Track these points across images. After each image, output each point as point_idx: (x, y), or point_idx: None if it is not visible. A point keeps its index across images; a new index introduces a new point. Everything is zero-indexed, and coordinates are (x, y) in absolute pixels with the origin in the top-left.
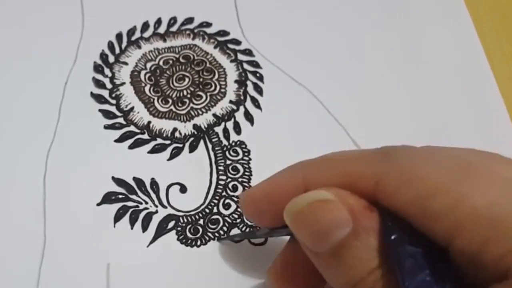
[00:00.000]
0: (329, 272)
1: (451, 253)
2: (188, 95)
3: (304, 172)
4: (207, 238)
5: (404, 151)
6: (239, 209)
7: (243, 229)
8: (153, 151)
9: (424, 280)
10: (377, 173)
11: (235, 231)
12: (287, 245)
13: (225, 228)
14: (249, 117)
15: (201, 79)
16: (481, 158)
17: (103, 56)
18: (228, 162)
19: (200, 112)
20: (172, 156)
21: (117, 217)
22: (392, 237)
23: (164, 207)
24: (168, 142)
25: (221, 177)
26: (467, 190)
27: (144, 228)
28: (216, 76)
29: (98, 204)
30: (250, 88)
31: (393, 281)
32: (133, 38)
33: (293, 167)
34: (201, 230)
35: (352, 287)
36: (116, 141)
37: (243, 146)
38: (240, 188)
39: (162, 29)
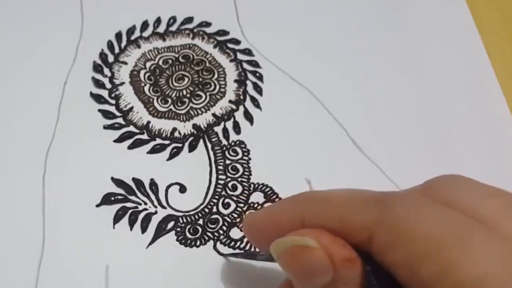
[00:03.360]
0: None
1: None
2: (188, 95)
3: (304, 208)
4: (207, 238)
5: (400, 201)
6: (238, 209)
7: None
8: (152, 151)
9: None
10: (370, 227)
11: (235, 249)
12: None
13: (224, 228)
14: (248, 116)
15: (200, 79)
16: (492, 210)
17: (103, 56)
18: (228, 161)
19: (200, 112)
20: (172, 156)
21: (117, 218)
22: None
23: (164, 207)
24: (167, 142)
25: (220, 176)
26: (459, 258)
27: (144, 229)
28: (216, 76)
29: (98, 205)
30: (250, 88)
31: None
32: (133, 38)
33: (295, 200)
34: (200, 230)
35: None
36: (115, 141)
37: (243, 145)
38: (239, 187)
39: (161, 29)
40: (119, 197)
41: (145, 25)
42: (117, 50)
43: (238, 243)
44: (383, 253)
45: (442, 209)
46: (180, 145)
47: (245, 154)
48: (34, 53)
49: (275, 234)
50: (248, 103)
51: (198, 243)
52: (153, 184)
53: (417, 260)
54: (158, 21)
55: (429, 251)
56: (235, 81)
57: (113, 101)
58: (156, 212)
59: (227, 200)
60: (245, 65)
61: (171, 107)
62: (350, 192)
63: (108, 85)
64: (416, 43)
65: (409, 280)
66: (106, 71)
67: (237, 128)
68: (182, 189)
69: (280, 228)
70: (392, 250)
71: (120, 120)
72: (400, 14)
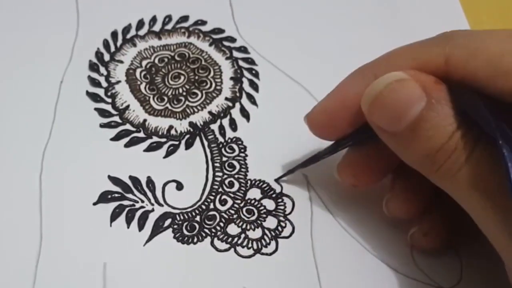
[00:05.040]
0: (408, 150)
1: None
2: (184, 93)
3: (374, 70)
4: (204, 235)
5: (464, 31)
6: (235, 205)
7: (240, 224)
8: (149, 149)
9: (503, 129)
10: (445, 52)
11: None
12: (350, 150)
13: (221, 224)
14: (245, 113)
15: (196, 77)
16: None
17: (99, 55)
18: (224, 158)
19: (196, 110)
20: (168, 154)
21: (113, 216)
22: (467, 101)
23: (160, 205)
24: (164, 140)
25: (217, 173)
26: None
27: (141, 227)
28: (212, 74)
29: (94, 203)
30: (246, 85)
31: (471, 138)
32: (128, 36)
33: (361, 69)
34: (197, 226)
35: (434, 155)
36: (112, 139)
37: (239, 142)
38: (236, 184)
39: (157, 27)
40: (116, 195)
41: (140, 23)
42: (113, 48)
43: (236, 239)
44: (462, 67)
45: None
46: (176, 142)
47: (242, 151)
48: (30, 52)
49: (353, 107)
50: (244, 100)
51: (195, 239)
52: (150, 181)
53: (498, 58)
54: (153, 19)
55: (505, 48)
56: (231, 78)
57: (109, 100)
58: (153, 210)
59: (224, 196)
60: (241, 63)
61: (167, 105)
62: (412, 43)
63: (104, 84)
64: (411, 42)
65: (493, 77)
66: (102, 69)
67: (233, 125)
68: (179, 186)
69: (355, 100)
70: (472, 59)
71: (116, 119)
72: (395, 13)
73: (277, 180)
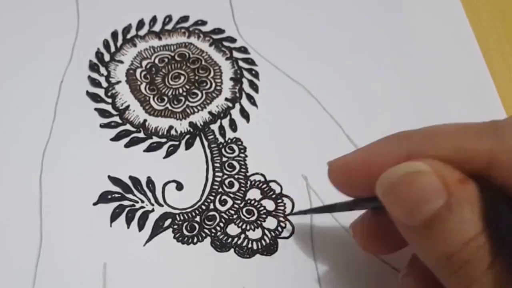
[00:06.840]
0: (421, 246)
1: None
2: (184, 93)
3: (410, 143)
4: (204, 235)
5: None
6: (235, 205)
7: (239, 224)
8: (149, 149)
9: None
10: (489, 152)
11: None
12: (368, 212)
13: (221, 224)
14: (244, 114)
15: (196, 77)
16: None
17: (99, 55)
18: (224, 159)
19: (196, 110)
20: (168, 154)
21: (114, 217)
22: (500, 211)
23: (160, 205)
24: (164, 140)
25: (217, 174)
26: None
27: (141, 227)
28: (212, 74)
29: (95, 204)
30: (246, 85)
31: (489, 253)
32: (129, 36)
33: (397, 137)
34: (197, 227)
35: (446, 260)
36: (112, 139)
37: (239, 143)
38: (236, 184)
39: (157, 27)
40: (116, 195)
41: (141, 24)
42: (113, 49)
43: (236, 239)
44: (506, 174)
45: None
46: (176, 143)
47: (242, 151)
48: (30, 53)
49: (373, 175)
50: (244, 101)
51: (195, 240)
52: (150, 182)
53: None
54: (153, 20)
55: None
56: (231, 79)
57: (109, 100)
58: (153, 210)
59: (224, 197)
60: (241, 63)
61: (168, 105)
62: (459, 123)
63: (105, 84)
64: (411, 41)
65: None
66: (102, 70)
67: (233, 125)
68: (179, 186)
69: (381, 168)
70: None
71: (116, 119)
72: (395, 13)
73: (288, 215)
